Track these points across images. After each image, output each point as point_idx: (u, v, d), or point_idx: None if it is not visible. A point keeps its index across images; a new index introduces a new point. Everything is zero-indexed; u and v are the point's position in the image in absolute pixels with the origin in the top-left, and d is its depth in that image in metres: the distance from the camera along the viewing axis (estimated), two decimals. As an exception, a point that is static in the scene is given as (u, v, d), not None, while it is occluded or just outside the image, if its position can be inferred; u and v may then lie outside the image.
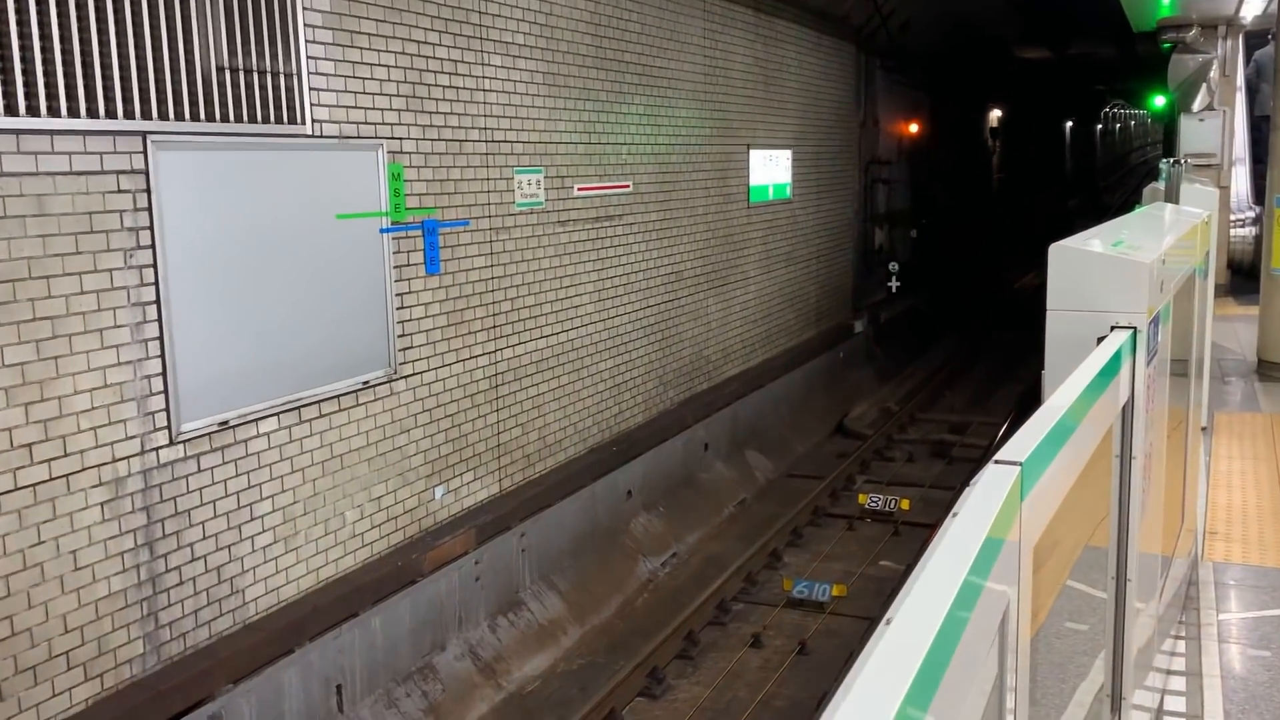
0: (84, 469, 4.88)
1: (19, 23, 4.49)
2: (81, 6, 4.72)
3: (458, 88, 7.21)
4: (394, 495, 6.82)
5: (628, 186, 9.57)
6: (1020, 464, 1.67)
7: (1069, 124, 39.23)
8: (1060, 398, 2.11)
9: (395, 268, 6.69)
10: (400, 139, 6.69)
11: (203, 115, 5.32)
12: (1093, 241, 2.95)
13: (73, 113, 4.70)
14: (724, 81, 11.38)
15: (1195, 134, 12.39)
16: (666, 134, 10.23)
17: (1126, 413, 2.72)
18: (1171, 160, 7.16)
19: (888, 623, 1.23)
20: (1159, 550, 3.59)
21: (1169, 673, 4.06)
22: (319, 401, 6.17)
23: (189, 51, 5.21)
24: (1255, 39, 17.75)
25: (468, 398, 7.50)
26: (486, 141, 7.55)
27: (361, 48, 6.32)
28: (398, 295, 6.74)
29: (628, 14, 9.40)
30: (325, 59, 6.06)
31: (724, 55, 11.36)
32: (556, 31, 8.32)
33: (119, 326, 4.99)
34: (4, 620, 4.58)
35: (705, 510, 10.69)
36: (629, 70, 9.45)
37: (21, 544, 4.65)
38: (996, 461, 1.71)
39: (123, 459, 5.05)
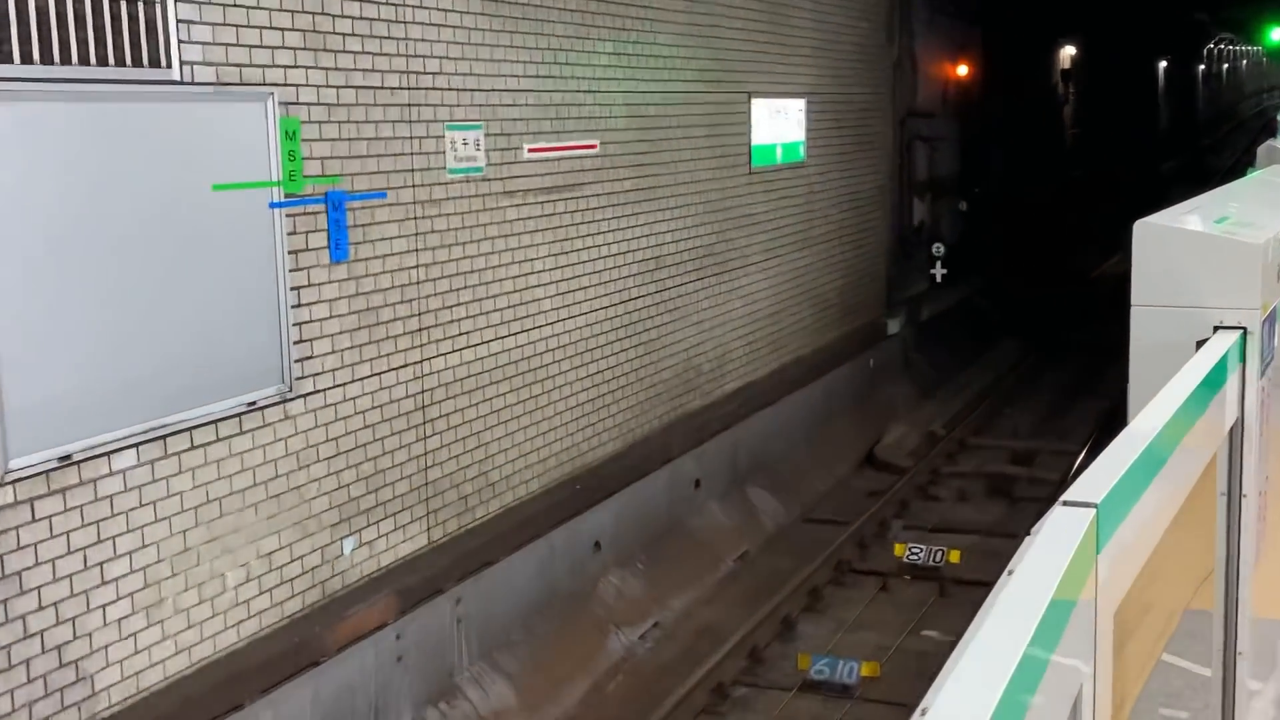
0: (-120, 519, 4.83)
1: None
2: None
3: (371, 19, 7.19)
4: (290, 550, 6.78)
5: (594, 147, 9.56)
6: (1095, 505, 1.67)
7: (1163, 65, 39.63)
8: (1147, 419, 2.11)
9: (290, 253, 6.66)
10: (296, 86, 6.65)
11: (35, 57, 5.29)
12: (1190, 218, 2.97)
13: None
14: (719, 11, 11.42)
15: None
16: (644, 79, 10.23)
17: (1235, 437, 2.73)
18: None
19: (923, 714, 1.22)
20: (1280, 615, 3.60)
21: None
22: (191, 429, 6.12)
23: (18, -27, 5.19)
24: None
25: (386, 423, 7.47)
26: (410, 89, 7.53)
27: (245, -32, 6.31)
28: (294, 290, 6.70)
29: (592, -76, 9.42)
30: (197, -18, 6.04)
31: (717, -23, 11.40)
32: (500, -54, 8.33)
33: (-74, 332, 4.94)
34: None
35: (696, 566, 10.68)
36: (594, -4, 9.47)
37: None
38: (1065, 503, 1.71)
39: (-69, 506, 5.00)
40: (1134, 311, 2.85)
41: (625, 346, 10.16)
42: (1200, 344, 2.72)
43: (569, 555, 9.23)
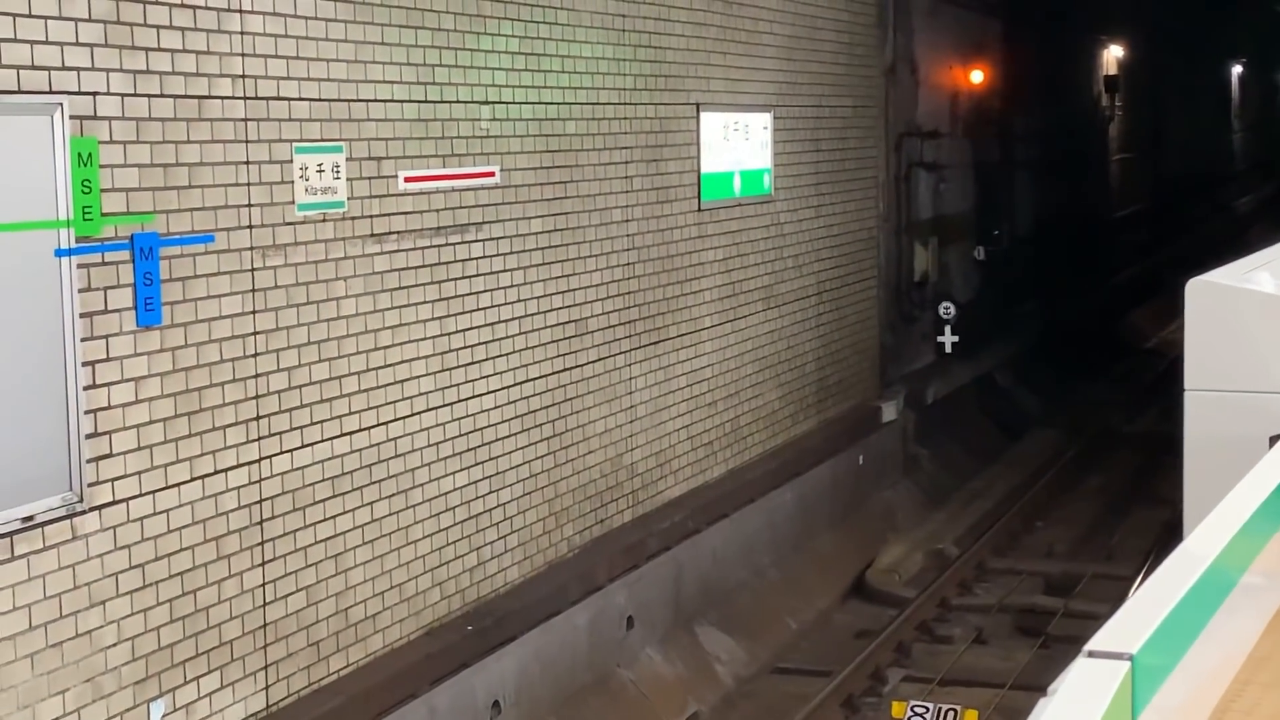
0: None
1: None
2: None
3: (195, 6, 7.21)
4: (78, 718, 6.67)
5: (492, 175, 9.58)
6: (1130, 657, 1.67)
7: (1237, 70, 40.31)
8: (1203, 541, 2.13)
9: (83, 316, 6.61)
10: (94, 94, 6.65)
11: None
12: (1260, 275, 3.02)
13: None
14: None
15: None
16: (558, 87, 10.29)
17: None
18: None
19: None
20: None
21: None
22: (-56, 552, 6.04)
23: None
24: None
25: (211, 543, 7.39)
26: (245, 99, 7.54)
27: (26, -61, 6.32)
28: (87, 365, 6.65)
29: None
30: (-39, -43, 6.05)
31: (656, -45, 11.54)
32: (367, -87, 8.40)
33: None
34: None
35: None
36: (493, -21, 9.55)
37: None
38: (1091, 654, 1.71)
39: None
40: (1188, 397, 2.89)
41: (532, 440, 10.13)
42: (1275, 440, 2.74)
43: (457, 720, 9.14)
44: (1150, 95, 31.26)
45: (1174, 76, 32.87)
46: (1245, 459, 2.61)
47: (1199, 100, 35.80)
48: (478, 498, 9.54)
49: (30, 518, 6.40)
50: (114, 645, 6.86)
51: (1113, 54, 28.45)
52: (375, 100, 8.49)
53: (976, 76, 19.94)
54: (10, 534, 6.31)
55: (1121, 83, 28.78)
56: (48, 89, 6.43)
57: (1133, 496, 17.43)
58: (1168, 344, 25.01)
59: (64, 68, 6.52)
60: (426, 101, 8.93)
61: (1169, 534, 13.80)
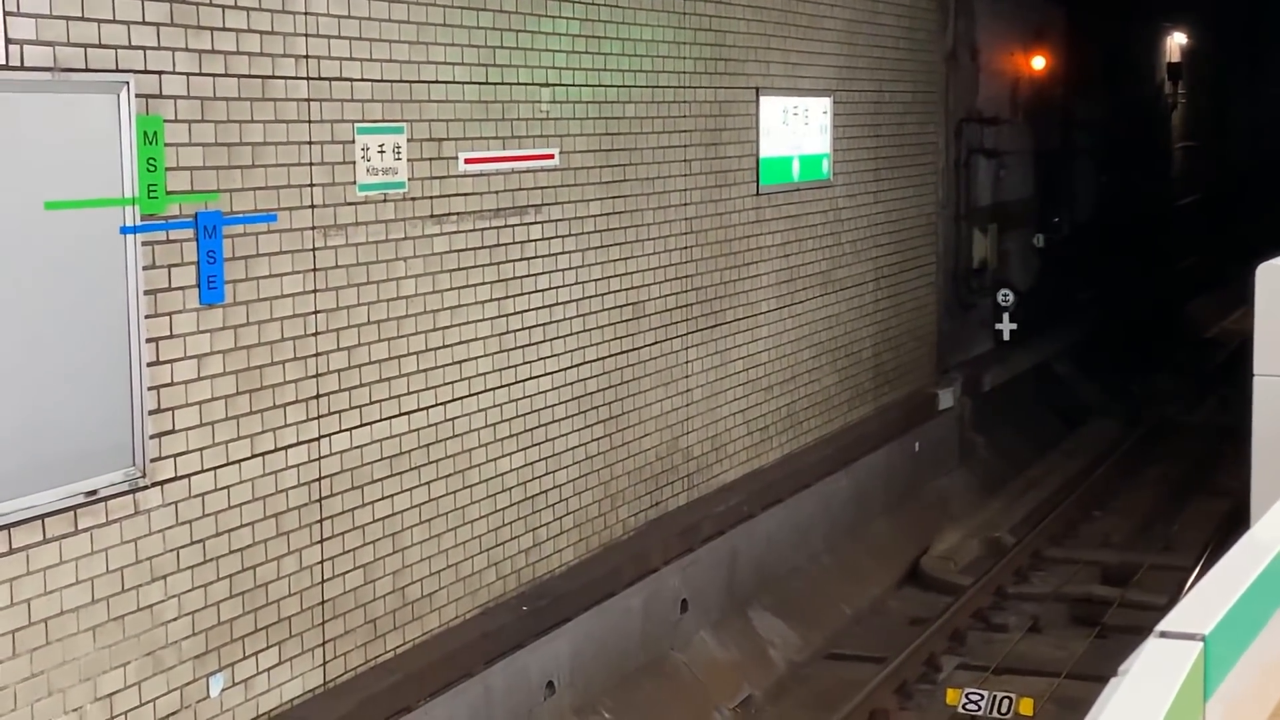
0: None
1: None
2: None
3: (260, -13, 7.26)
4: (139, 691, 6.73)
5: (552, 157, 9.60)
6: (1203, 637, 1.67)
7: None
8: (1274, 525, 2.13)
9: (147, 294, 6.67)
10: (160, 73, 6.69)
11: None
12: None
13: None
14: (717, -18, 11.53)
15: None
16: (618, 70, 10.29)
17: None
18: None
19: None
20: None
21: None
22: (8, 527, 6.11)
23: None
24: None
25: (270, 519, 7.45)
26: (308, 79, 7.58)
27: (94, -82, 6.37)
28: (151, 342, 6.71)
29: None
30: (31, -64, 6.09)
31: (717, -62, 11.52)
32: (431, -106, 8.42)
33: None
34: None
35: (681, 716, 10.62)
36: (555, -39, 9.56)
37: None
38: (1163, 634, 1.71)
39: None
40: (1257, 383, 2.89)
41: (588, 422, 10.15)
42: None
43: (511, 701, 9.16)
44: (1215, 82, 30.96)
45: (1240, 63, 32.55)
46: (1315, 445, 2.60)
47: (1266, 88, 35.41)
48: (534, 479, 9.57)
49: (94, 492, 6.47)
50: (174, 619, 6.92)
51: (1176, 41, 28.22)
52: (436, 82, 8.52)
53: (1038, 62, 19.84)
54: (74, 507, 6.38)
55: (1185, 70, 28.56)
56: (114, 67, 6.48)
57: (1192, 487, 17.30)
58: (1229, 333, 24.83)
59: (130, 46, 6.57)
60: (487, 83, 8.95)
61: (1229, 525, 13.73)
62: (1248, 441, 2.69)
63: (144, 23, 6.62)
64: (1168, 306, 25.16)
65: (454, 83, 8.66)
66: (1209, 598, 1.85)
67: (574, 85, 9.80)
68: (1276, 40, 31.61)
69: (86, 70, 6.37)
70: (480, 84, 8.89)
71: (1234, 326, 25.18)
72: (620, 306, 10.46)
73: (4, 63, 6.01)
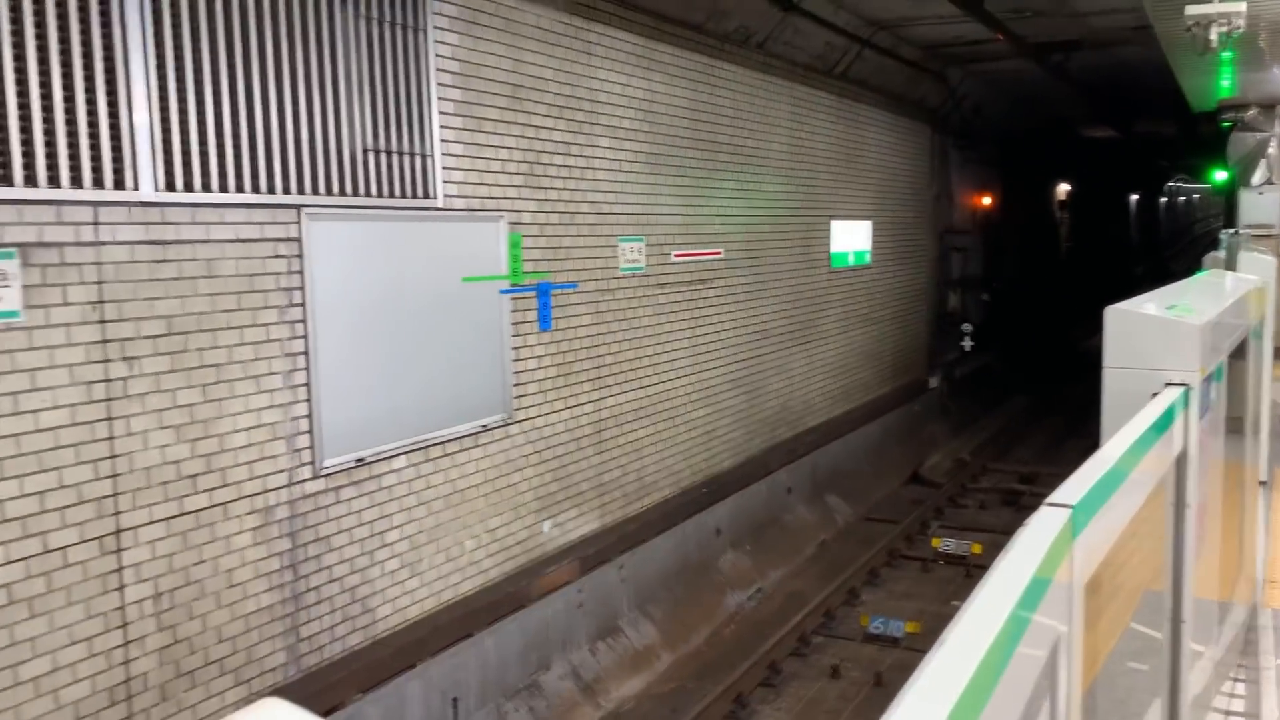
0: (239, 498, 5.07)
1: (197, 112, 4.77)
2: (250, 98, 5.00)
3: (570, 165, 7.38)
4: (507, 528, 6.90)
5: (720, 253, 9.62)
6: (1071, 506, 1.64)
7: (1134, 196, 38.10)
8: (1114, 447, 2.06)
9: (512, 324, 6.83)
10: (519, 211, 6.85)
11: (349, 190, 5.55)
12: (1148, 305, 2.89)
13: (239, 188, 4.96)
14: (809, 158, 11.40)
15: (1254, 206, 11.96)
16: (755, 205, 10.27)
17: (1181, 464, 2.63)
18: (1232, 231, 6.92)
19: (939, 648, 1.22)
20: (1216, 596, 3.43)
21: (1228, 714, 3.86)
22: (443, 443, 6.30)
23: (339, 135, 5.46)
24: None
25: (574, 441, 7.57)
26: (594, 213, 7.69)
27: (487, 132, 6.53)
28: (513, 349, 6.87)
29: (721, 98, 9.51)
30: (455, 142, 6.27)
31: (809, 135, 11.39)
32: (658, 115, 8.46)
33: (272, 374, 5.20)
34: (168, 630, 4.77)
35: (788, 549, 10.56)
36: (722, 148, 9.54)
37: (185, 563, 4.84)
38: (1049, 504, 1.68)
39: (272, 490, 5.23)
40: (1105, 372, 2.78)
41: (738, 392, 10.14)
42: (1155, 395, 2.63)
43: (698, 538, 9.20)
44: (1084, 211, 29.72)
45: (1098, 200, 31.20)
46: (1139, 406, 2.50)
47: (1112, 213, 33.91)
48: (709, 422, 9.58)
49: (485, 425, 6.64)
50: (525, 492, 7.07)
51: (1063, 188, 27.15)
52: (660, 212, 8.59)
53: (986, 200, 19.27)
54: (475, 433, 6.56)
55: (1069, 204, 27.53)
56: (497, 209, 6.67)
57: (1071, 432, 16.65)
58: (1093, 348, 23.78)
59: (504, 198, 6.74)
60: (687, 213, 9.00)
61: (1089, 451, 13.15)
62: (1099, 406, 2.61)
63: (511, 185, 6.80)
64: (1058, 333, 24.21)
65: (669, 213, 8.72)
66: (1075, 483, 1.81)
67: (732, 214, 9.80)
68: (1109, 187, 30.47)
69: (483, 210, 6.56)
70: (683, 214, 8.94)
71: (1096, 344, 24.06)
72: (755, 331, 10.42)
73: (442, 207, 6.22)
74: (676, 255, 8.86)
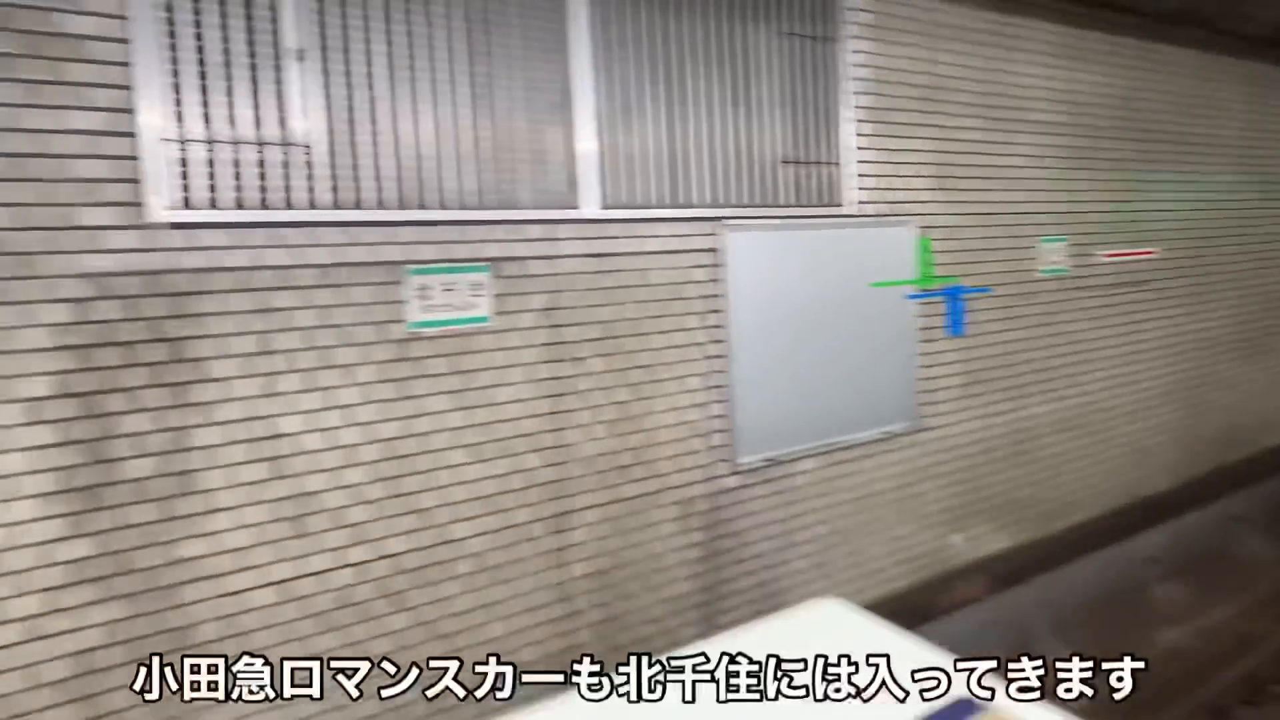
0: (663, 489, 5.47)
1: (630, 137, 5.23)
2: (673, 121, 5.39)
3: (983, 165, 7.11)
4: (914, 538, 6.78)
5: (1155, 252, 8.75)
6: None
7: None
8: None
9: (920, 330, 6.72)
10: (928, 214, 6.74)
11: (762, 201, 5.79)
12: None
13: (666, 204, 5.37)
14: (1268, 143, 10.00)
15: None
16: (1200, 199, 9.20)
17: None
18: None
19: None
20: None
21: None
22: (848, 448, 6.34)
23: (755, 149, 5.72)
24: None
25: (985, 453, 7.27)
26: (1010, 213, 7.35)
27: (897, 135, 6.49)
28: (921, 355, 6.75)
29: (1159, 85, 8.65)
30: (865, 148, 6.30)
31: (1267, 117, 9.98)
32: (1082, 107, 7.89)
33: (693, 375, 5.55)
34: (601, 606, 5.26)
35: (1235, 586, 9.28)
36: (1159, 138, 8.67)
37: (616, 546, 5.31)
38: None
39: (692, 484, 5.58)
40: None
41: (1176, 406, 9.13)
42: None
43: (1125, 565, 8.40)
44: None
45: None
46: None
47: None
48: (1140, 438, 8.74)
49: (891, 432, 6.60)
50: (931, 502, 6.92)
51: None
52: (1085, 211, 8.01)
53: None
54: (880, 439, 6.54)
55: None
56: (906, 214, 6.61)
57: None
58: None
59: (914, 201, 6.66)
60: (1117, 211, 8.30)
61: None
62: None
63: (921, 188, 6.70)
64: None
65: (1096, 211, 8.10)
66: None
67: (1170, 210, 8.87)
68: None
69: (891, 215, 6.52)
70: (1112, 211, 8.26)
71: None
72: (1197, 338, 9.32)
73: (855, 213, 6.27)
74: (1105, 255, 8.20)
